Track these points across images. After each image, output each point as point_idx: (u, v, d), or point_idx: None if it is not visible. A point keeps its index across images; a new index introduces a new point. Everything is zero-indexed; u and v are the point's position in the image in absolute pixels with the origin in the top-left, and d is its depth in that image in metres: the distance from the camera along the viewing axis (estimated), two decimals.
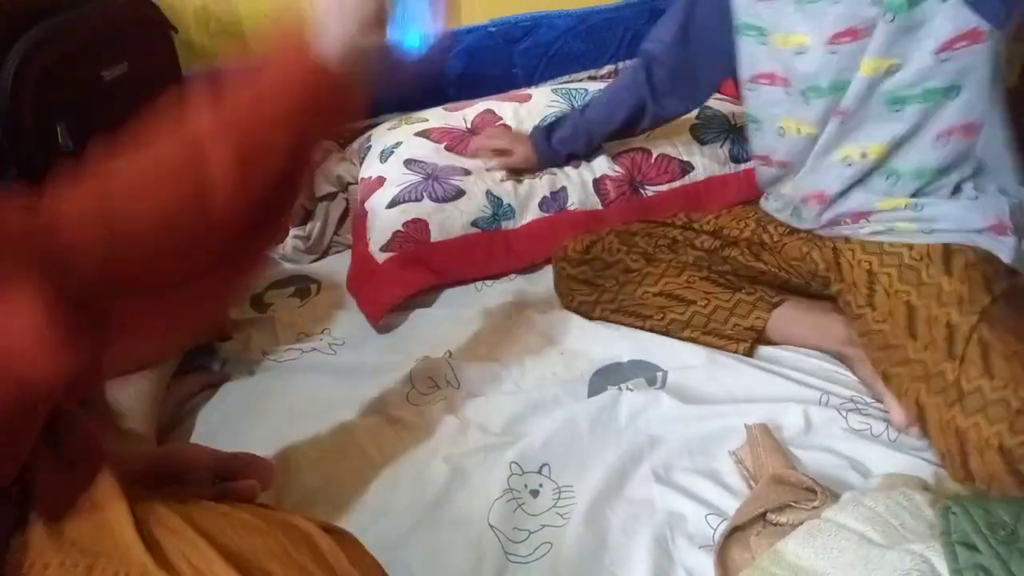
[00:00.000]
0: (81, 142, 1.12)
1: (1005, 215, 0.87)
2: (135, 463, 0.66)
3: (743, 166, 1.26)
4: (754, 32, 0.93)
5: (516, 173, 1.23)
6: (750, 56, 0.95)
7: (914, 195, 0.89)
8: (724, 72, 1.04)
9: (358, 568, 0.50)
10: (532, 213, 1.21)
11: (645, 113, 1.14)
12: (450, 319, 1.08)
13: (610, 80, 1.48)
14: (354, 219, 1.26)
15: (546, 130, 1.22)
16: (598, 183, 1.22)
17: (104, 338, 0.48)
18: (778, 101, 0.93)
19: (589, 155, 1.24)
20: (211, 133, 0.50)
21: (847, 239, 0.95)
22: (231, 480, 0.67)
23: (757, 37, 0.93)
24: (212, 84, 0.53)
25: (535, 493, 0.80)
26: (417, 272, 1.12)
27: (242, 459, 0.70)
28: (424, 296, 1.12)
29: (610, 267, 1.02)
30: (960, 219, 0.87)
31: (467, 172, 1.23)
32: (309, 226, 1.27)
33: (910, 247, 0.89)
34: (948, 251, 0.87)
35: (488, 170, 1.23)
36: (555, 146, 1.21)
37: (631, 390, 0.91)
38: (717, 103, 1.33)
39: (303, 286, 1.17)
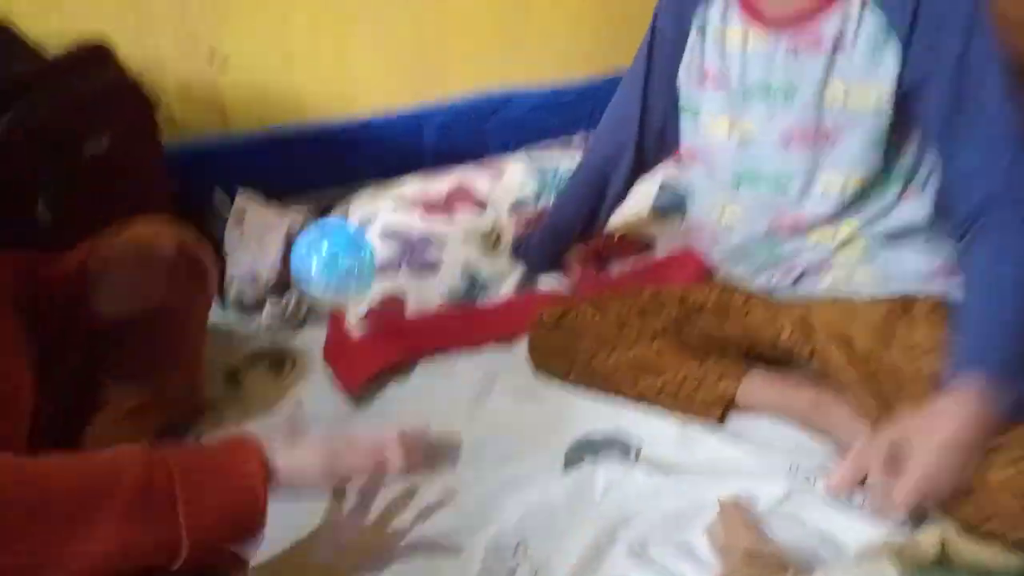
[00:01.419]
0: (59, 214, 1.13)
1: (951, 256, 0.89)
2: None
3: (697, 239, 1.30)
4: (691, 112, 0.98)
5: None
6: (690, 134, 1.00)
7: (868, 244, 0.93)
8: (673, 150, 1.08)
9: None
10: (507, 290, 1.23)
11: (601, 216, 1.18)
12: (426, 392, 1.09)
13: (581, 150, 1.53)
14: None
15: (519, 246, 1.27)
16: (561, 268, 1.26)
17: None
18: (720, 178, 0.97)
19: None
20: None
21: (809, 301, 0.98)
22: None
23: (695, 118, 0.98)
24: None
25: (512, 572, 0.80)
26: (393, 345, 1.13)
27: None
28: (400, 369, 1.12)
29: (583, 335, 1.04)
30: (913, 266, 0.91)
31: (443, 243, 1.26)
32: (285, 298, 1.28)
33: (874, 306, 0.92)
34: (907, 302, 0.90)
35: None
36: (531, 265, 1.25)
37: (606, 463, 0.92)
38: (674, 180, 1.37)
39: (278, 359, 1.17)
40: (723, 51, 0.92)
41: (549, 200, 1.38)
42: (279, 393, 1.09)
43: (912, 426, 0.73)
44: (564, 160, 1.48)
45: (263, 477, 0.59)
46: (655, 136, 1.07)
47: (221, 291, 1.28)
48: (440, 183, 1.42)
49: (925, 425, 0.73)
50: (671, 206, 1.35)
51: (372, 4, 1.51)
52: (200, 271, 0.95)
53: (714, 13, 0.92)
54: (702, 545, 0.82)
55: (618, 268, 1.27)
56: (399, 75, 1.59)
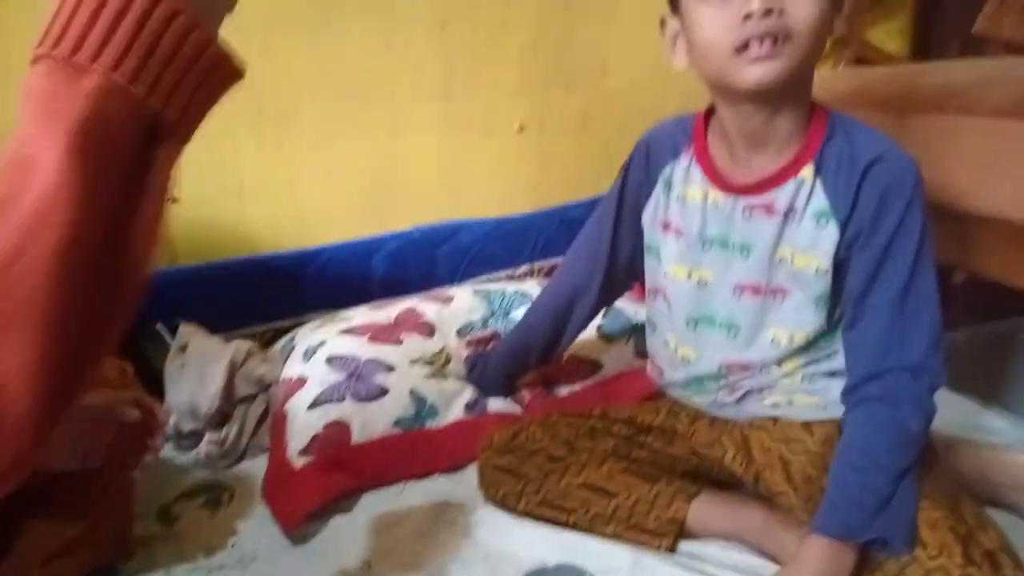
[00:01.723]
0: None
1: None
2: None
3: (646, 363, 1.33)
4: (654, 253, 1.04)
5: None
6: (652, 273, 1.05)
7: (809, 375, 0.96)
8: (637, 280, 1.13)
9: None
10: (455, 413, 1.22)
11: (564, 342, 1.21)
12: (370, 525, 1.04)
13: (524, 282, 1.58)
14: (273, 422, 1.24)
15: (473, 369, 1.29)
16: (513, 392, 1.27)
17: None
18: (677, 317, 1.02)
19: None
20: None
21: (751, 423, 1.00)
22: None
23: (657, 259, 1.03)
24: None
25: None
26: (337, 476, 1.10)
27: None
28: (342, 501, 1.08)
29: (534, 455, 1.03)
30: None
31: (391, 368, 1.25)
32: (225, 430, 1.24)
33: (811, 432, 0.95)
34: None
35: None
36: (484, 389, 1.27)
37: None
38: (622, 303, 1.42)
39: (215, 495, 1.12)
40: (684, 205, 0.98)
41: (498, 324, 1.40)
42: (215, 530, 1.04)
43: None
44: (511, 286, 1.52)
45: None
46: (622, 269, 1.11)
47: None
48: (387, 310, 1.43)
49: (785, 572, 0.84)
50: (618, 329, 1.38)
51: (323, 140, 1.57)
52: (152, 427, 0.93)
53: (679, 170, 0.99)
54: None
55: (567, 389, 1.28)
56: (349, 208, 1.64)
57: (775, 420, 0.99)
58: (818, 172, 0.89)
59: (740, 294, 0.95)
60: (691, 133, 0.98)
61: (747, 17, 0.79)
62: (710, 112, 0.97)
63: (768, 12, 0.78)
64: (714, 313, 0.99)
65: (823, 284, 0.91)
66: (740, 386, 1.00)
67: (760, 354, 0.96)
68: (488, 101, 1.68)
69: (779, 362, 0.96)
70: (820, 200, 0.89)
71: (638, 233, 1.06)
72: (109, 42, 0.43)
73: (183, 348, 1.32)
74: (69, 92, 0.43)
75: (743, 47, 0.80)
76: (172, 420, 1.23)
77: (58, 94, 0.43)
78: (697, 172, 0.97)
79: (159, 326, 1.39)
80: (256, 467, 1.17)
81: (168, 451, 1.23)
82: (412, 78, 1.61)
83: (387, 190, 1.66)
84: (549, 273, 1.70)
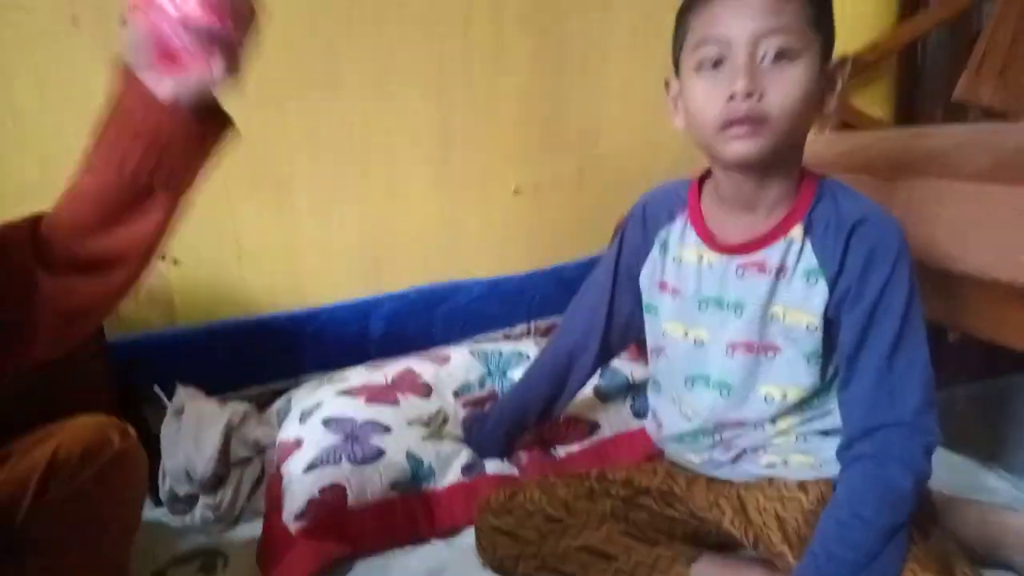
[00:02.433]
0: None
1: None
2: None
3: (644, 423, 1.33)
4: (653, 312, 1.06)
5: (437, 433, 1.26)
6: (651, 331, 1.07)
7: (804, 434, 0.96)
8: (635, 340, 1.14)
9: None
10: (453, 475, 1.21)
11: (562, 401, 1.21)
12: None
13: (521, 342, 1.59)
14: (268, 485, 1.23)
15: (470, 431, 1.29)
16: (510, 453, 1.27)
17: None
18: (675, 375, 1.03)
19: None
20: None
21: (747, 484, 1.00)
22: None
23: (656, 318, 1.05)
24: None
25: None
26: (332, 542, 1.08)
27: None
28: (338, 567, 1.07)
29: (531, 516, 1.02)
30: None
31: (387, 430, 1.25)
32: (220, 493, 1.23)
33: (806, 491, 0.95)
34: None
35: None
36: (482, 450, 1.27)
37: None
38: (618, 362, 1.43)
39: (209, 560, 1.10)
40: (680, 266, 1.00)
41: (495, 384, 1.40)
42: None
43: None
44: (508, 346, 1.52)
45: None
46: (620, 329, 1.12)
47: (153, 487, 1.22)
48: (383, 371, 1.43)
49: None
50: (614, 389, 1.38)
51: (321, 203, 1.60)
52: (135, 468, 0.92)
53: (675, 233, 1.02)
54: None
55: (564, 450, 1.28)
56: (347, 270, 1.66)
57: (770, 480, 0.99)
58: (807, 232, 0.91)
59: (733, 352, 0.97)
60: (686, 197, 1.02)
61: (731, 97, 0.83)
62: (706, 175, 1.00)
63: (749, 95, 0.82)
64: (708, 372, 0.99)
65: (814, 341, 0.92)
66: (734, 444, 1.00)
67: (753, 412, 0.97)
68: (484, 164, 1.72)
69: (773, 420, 0.97)
70: (810, 259, 0.91)
71: (636, 293, 1.08)
72: None
73: (179, 411, 1.32)
74: None
75: (727, 124, 0.84)
76: (167, 484, 1.22)
77: None
78: (692, 234, 1.00)
79: (156, 389, 1.39)
80: (251, 531, 1.16)
81: (162, 515, 1.21)
82: (408, 142, 1.65)
83: (384, 252, 1.68)
84: (546, 332, 1.71)
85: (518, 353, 1.48)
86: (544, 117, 1.75)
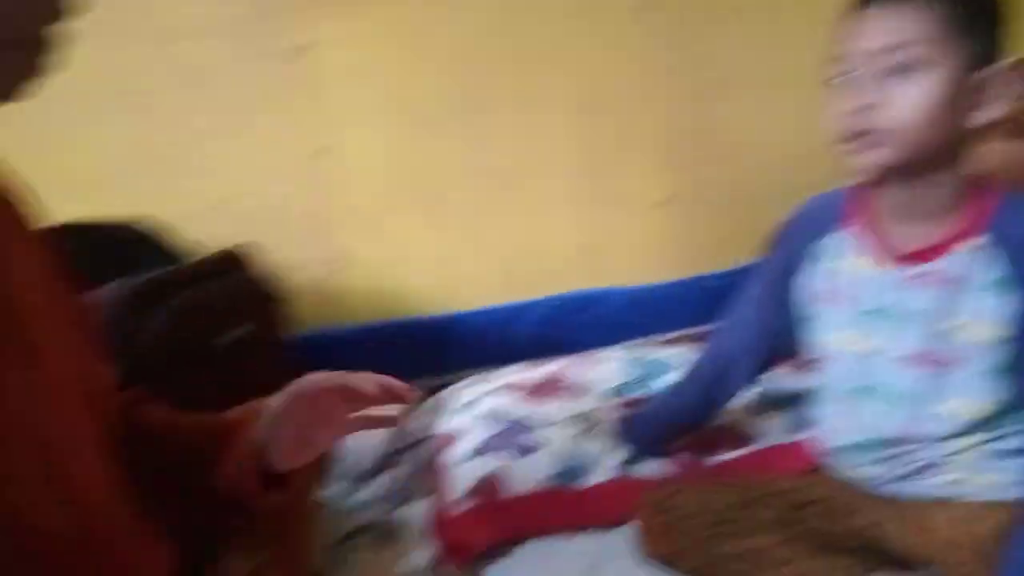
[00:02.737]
0: (192, 396, 1.23)
1: None
2: None
3: (806, 434, 1.30)
4: (812, 323, 1.04)
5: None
6: (812, 343, 1.05)
7: (990, 453, 0.92)
8: (796, 351, 1.13)
9: None
10: (606, 474, 1.24)
11: (718, 408, 1.22)
12: (530, 574, 1.07)
13: (674, 347, 1.59)
14: (429, 473, 1.30)
15: (624, 430, 1.30)
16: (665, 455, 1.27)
17: None
18: (840, 386, 1.01)
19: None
20: None
21: (923, 502, 0.96)
22: None
23: (816, 329, 1.03)
24: None
25: None
26: (492, 526, 1.13)
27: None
28: (500, 550, 1.12)
29: (691, 518, 1.03)
30: None
31: (541, 427, 1.29)
32: (384, 479, 1.32)
33: (990, 511, 0.90)
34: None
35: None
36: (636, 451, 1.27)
37: None
38: (779, 372, 1.38)
39: (384, 533, 1.18)
40: (841, 276, 0.99)
41: (648, 388, 1.41)
42: (383, 567, 1.09)
43: None
44: (663, 351, 1.53)
45: None
46: (776, 341, 1.12)
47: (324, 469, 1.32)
48: (538, 371, 1.48)
49: None
50: (774, 399, 1.36)
51: (471, 216, 1.70)
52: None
53: (833, 244, 1.00)
54: None
55: (719, 457, 1.27)
56: (495, 278, 1.74)
57: (949, 498, 0.94)
58: (1000, 241, 0.88)
59: (906, 365, 0.94)
60: (842, 207, 1.00)
61: (850, 111, 0.85)
62: (874, 183, 0.97)
63: (863, 110, 0.84)
64: (876, 384, 0.97)
65: (1003, 354, 0.88)
66: (909, 460, 0.96)
67: (928, 428, 0.93)
68: (628, 176, 1.75)
69: (950, 437, 0.93)
70: (1000, 269, 0.88)
71: (792, 306, 1.07)
72: None
73: None
74: None
75: (847, 138, 0.87)
76: (345, 460, 1.31)
77: None
78: (852, 244, 0.98)
79: None
80: (422, 510, 1.23)
81: (334, 493, 1.31)
82: (553, 156, 1.71)
83: (529, 262, 1.75)
84: (694, 340, 1.70)
85: (672, 358, 1.49)
86: (690, 129, 1.76)
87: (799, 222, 1.05)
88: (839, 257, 0.99)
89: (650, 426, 1.26)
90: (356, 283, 1.66)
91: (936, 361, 0.92)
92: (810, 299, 1.04)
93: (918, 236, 0.92)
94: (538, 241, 1.75)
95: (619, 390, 1.42)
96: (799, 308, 1.06)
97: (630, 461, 1.26)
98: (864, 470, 1.01)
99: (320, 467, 1.05)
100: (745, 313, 1.14)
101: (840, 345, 1.00)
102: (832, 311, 1.00)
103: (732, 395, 1.20)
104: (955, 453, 0.93)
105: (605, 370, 1.46)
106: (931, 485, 0.96)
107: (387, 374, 1.56)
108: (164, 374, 1.18)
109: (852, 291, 0.98)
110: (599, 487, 1.22)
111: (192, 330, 1.23)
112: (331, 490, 1.30)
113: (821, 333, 1.02)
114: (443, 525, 1.15)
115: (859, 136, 0.85)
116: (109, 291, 1.14)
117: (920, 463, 0.95)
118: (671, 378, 1.39)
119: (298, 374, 1.46)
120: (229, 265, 1.36)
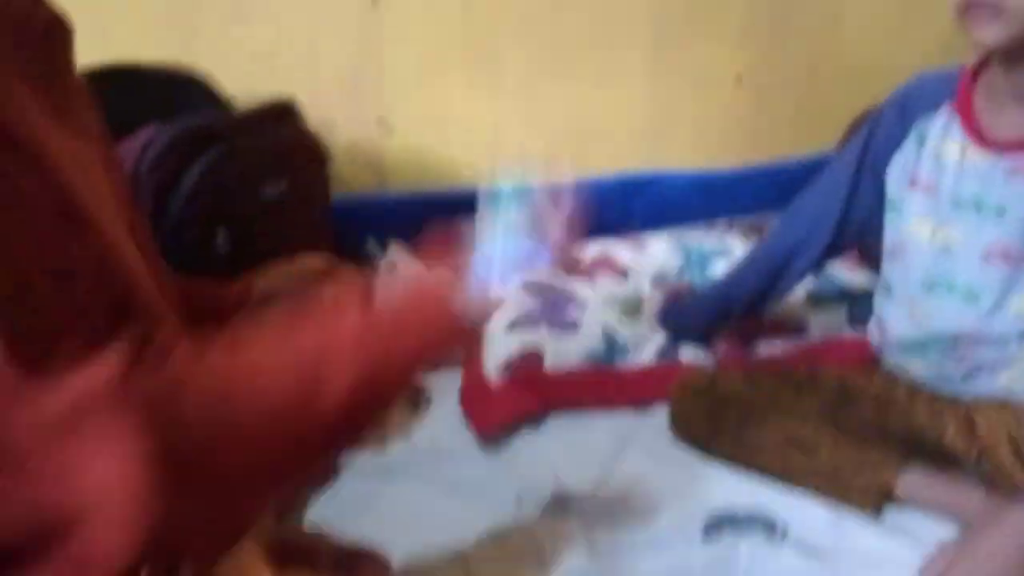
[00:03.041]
0: (237, 247, 1.23)
1: None
2: (258, 537, 0.65)
3: (860, 330, 1.24)
4: (896, 211, 0.97)
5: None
6: (892, 231, 0.99)
7: None
8: (866, 241, 1.07)
9: None
10: (646, 357, 1.22)
11: (772, 299, 1.16)
12: (557, 446, 1.07)
13: (724, 237, 1.52)
14: (468, 340, 1.29)
15: (668, 312, 1.26)
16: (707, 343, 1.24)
17: (194, 503, 0.46)
18: (912, 279, 0.95)
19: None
20: (343, 349, 0.52)
21: (977, 402, 0.92)
22: (349, 572, 0.67)
23: (899, 216, 0.97)
24: (366, 288, 0.60)
25: None
26: (528, 396, 1.13)
27: (363, 553, 0.69)
28: (532, 420, 1.12)
29: (731, 402, 1.01)
30: None
31: (584, 305, 1.27)
32: None
33: None
34: None
35: None
36: (679, 337, 1.24)
37: (749, 540, 0.87)
38: (835, 268, 1.34)
39: (415, 396, 1.19)
40: (939, 162, 0.92)
41: (693, 276, 1.36)
42: (411, 430, 1.11)
43: (971, 537, 0.81)
44: (711, 240, 1.47)
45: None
46: (854, 227, 1.05)
47: None
48: (582, 250, 1.44)
49: (978, 537, 0.80)
50: (829, 294, 1.30)
51: (528, 82, 1.60)
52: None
53: (937, 125, 0.93)
54: None
55: (766, 347, 1.23)
56: (549, 148, 1.66)
57: (1006, 399, 0.90)
58: None
59: (988, 259, 0.88)
60: (954, 87, 0.92)
61: None
62: (981, 66, 0.90)
63: None
64: (955, 278, 0.91)
65: None
66: (970, 359, 0.92)
67: (1000, 327, 0.89)
68: (703, 50, 1.62)
69: (1016, 338, 0.88)
70: None
71: (878, 189, 1.00)
72: None
73: (392, 267, 1.41)
74: None
75: (966, 7, 0.80)
76: None
77: None
78: (957, 127, 0.91)
79: (370, 243, 1.49)
80: (452, 377, 1.23)
81: None
82: (622, 27, 1.58)
83: (587, 135, 1.66)
84: (750, 231, 1.63)
85: (721, 248, 1.43)
86: (767, 1, 1.61)
87: (909, 98, 0.97)
88: (941, 139, 0.92)
89: (699, 312, 1.22)
90: (400, 148, 1.61)
91: (1018, 256, 0.86)
92: (901, 182, 0.97)
93: (1020, 126, 0.85)
94: (596, 115, 1.64)
95: (662, 276, 1.37)
96: (887, 192, 0.99)
97: (672, 346, 1.24)
98: (921, 366, 0.97)
99: None
100: (821, 197, 1.07)
101: (920, 235, 0.94)
102: (920, 197, 0.94)
103: (792, 285, 1.14)
104: (1018, 354, 0.89)
105: (654, 253, 1.41)
106: (985, 385, 0.92)
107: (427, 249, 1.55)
108: (205, 224, 1.18)
109: (945, 178, 0.91)
110: (638, 369, 1.20)
111: (233, 181, 1.21)
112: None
113: (903, 221, 0.96)
114: (475, 394, 1.15)
115: (977, 5, 0.78)
116: (148, 136, 1.11)
117: (978, 362, 0.92)
118: (721, 266, 1.33)
119: (338, 237, 1.46)
120: (274, 118, 1.32)
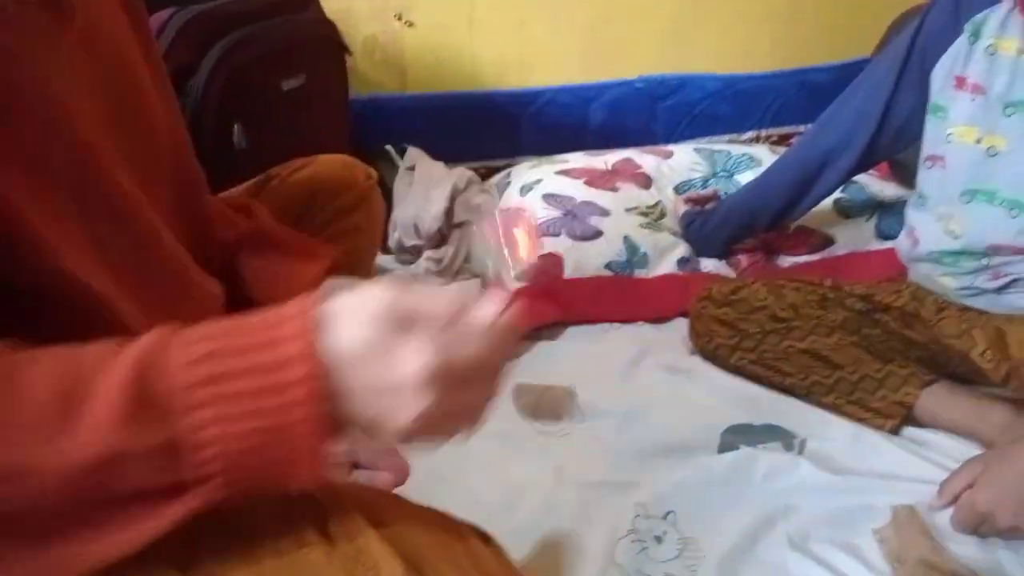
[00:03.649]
0: (254, 141, 1.21)
1: None
2: None
3: (888, 243, 1.22)
4: (940, 114, 0.92)
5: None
6: (933, 137, 0.94)
7: None
8: (903, 149, 1.02)
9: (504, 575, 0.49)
10: (667, 267, 1.20)
11: (801, 208, 1.12)
12: (574, 356, 1.07)
13: (751, 147, 1.47)
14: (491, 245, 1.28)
15: (697, 225, 1.23)
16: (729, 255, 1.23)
17: None
18: (951, 188, 0.91)
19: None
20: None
21: (1010, 317, 0.90)
22: (366, 468, 0.67)
23: (943, 121, 0.92)
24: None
25: (658, 540, 0.77)
26: (547, 305, 1.12)
27: (381, 451, 0.70)
28: (550, 330, 1.12)
29: (755, 312, 0.99)
30: None
31: (606, 213, 1.24)
32: (443, 250, 1.31)
33: None
34: None
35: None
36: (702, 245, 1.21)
37: (767, 451, 0.87)
38: (865, 178, 1.29)
39: None
40: (993, 60, 0.87)
41: (719, 185, 1.33)
42: None
43: (999, 453, 0.80)
44: (737, 148, 1.42)
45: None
46: (892, 133, 1.00)
47: (384, 235, 1.32)
48: (605, 158, 1.40)
49: (1006, 453, 0.79)
50: (858, 205, 1.26)
51: None
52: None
53: (993, 20, 0.87)
54: (869, 547, 0.76)
55: (790, 260, 1.21)
56: (575, 51, 1.59)
57: None
58: None
59: None
60: None
61: None
62: None
63: None
64: (997, 187, 0.87)
65: None
66: (1005, 272, 0.89)
67: None
68: None
69: None
70: None
71: (922, 90, 0.95)
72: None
73: (411, 169, 1.39)
74: None
75: None
76: (397, 234, 1.30)
77: None
78: (1017, 22, 0.84)
79: (389, 147, 1.46)
80: (471, 287, 1.23)
81: (390, 262, 1.31)
82: None
83: (614, 36, 1.58)
84: (779, 142, 1.58)
85: (749, 157, 1.38)
86: None
87: None
88: (997, 35, 0.86)
89: (720, 224, 1.19)
90: (422, 44, 1.54)
91: None
92: (946, 82, 0.91)
93: None
94: (622, 15, 1.57)
95: (686, 185, 1.34)
96: (931, 93, 0.94)
97: (694, 256, 1.22)
98: (952, 280, 0.94)
99: (379, 236, 1.03)
100: (861, 98, 1.02)
101: (963, 140, 0.89)
102: (967, 98, 0.89)
103: (823, 195, 1.10)
104: None
105: (674, 163, 1.37)
106: (1020, 299, 0.89)
107: (446, 150, 1.52)
108: (221, 118, 1.15)
109: (998, 77, 0.86)
110: (658, 280, 1.19)
111: (250, 71, 1.17)
112: (382, 259, 1.30)
113: (946, 125, 0.91)
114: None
115: None
116: (162, 20, 1.07)
117: (1014, 275, 0.89)
118: (748, 177, 1.29)
119: (356, 139, 1.43)
120: (292, 6, 1.27)
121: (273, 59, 1.22)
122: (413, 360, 0.36)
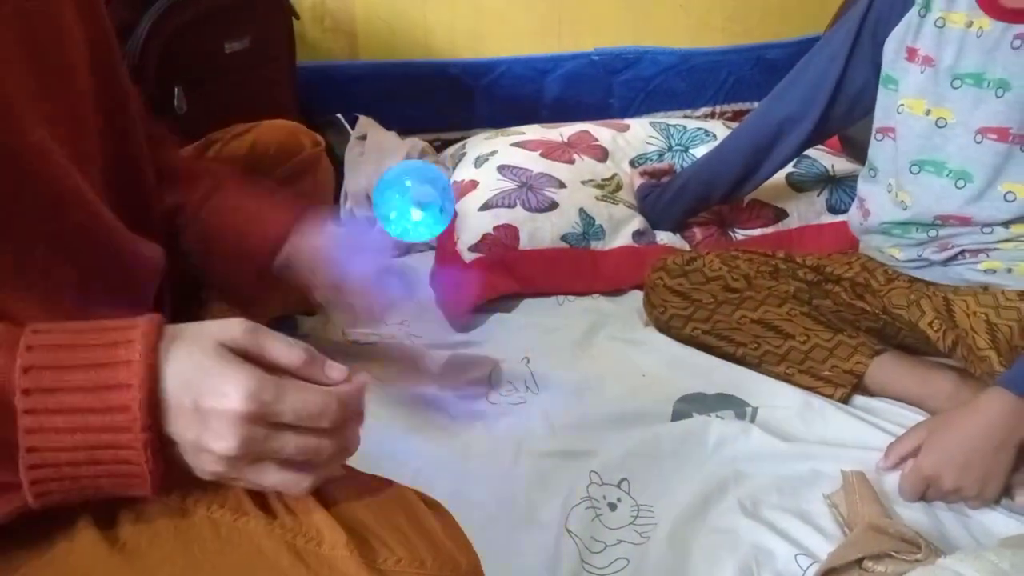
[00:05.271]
0: (196, 106, 1.16)
1: None
2: None
3: (840, 217, 1.23)
4: (892, 86, 0.93)
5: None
6: (884, 108, 0.95)
7: None
8: (858, 120, 1.03)
9: (451, 541, 0.47)
10: (622, 240, 1.19)
11: (755, 180, 1.12)
12: (529, 327, 1.06)
13: (706, 122, 1.47)
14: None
15: (653, 198, 1.22)
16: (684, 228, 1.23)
17: None
18: (901, 159, 0.92)
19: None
20: None
21: (956, 289, 0.92)
22: None
23: (894, 92, 0.93)
24: None
25: (612, 507, 0.77)
26: (502, 277, 1.11)
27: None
28: (504, 302, 1.11)
29: (709, 283, 1.00)
30: None
31: (562, 185, 1.23)
32: None
33: (1016, 303, 0.86)
34: None
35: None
36: (657, 220, 1.22)
37: (720, 419, 0.88)
38: (816, 153, 1.31)
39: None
40: (942, 32, 0.88)
41: (675, 159, 1.33)
42: None
43: (943, 419, 0.81)
44: (693, 123, 1.42)
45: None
46: (847, 104, 1.01)
47: (336, 205, 1.28)
48: (561, 130, 1.38)
49: (949, 419, 0.80)
50: (810, 179, 1.28)
51: None
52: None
53: None
54: (819, 512, 0.77)
55: (744, 233, 1.22)
56: (530, 22, 1.57)
57: (985, 287, 0.90)
58: None
59: (982, 138, 0.85)
60: None
61: None
62: None
63: None
64: (946, 158, 0.88)
65: None
66: (952, 244, 0.91)
67: (987, 211, 0.87)
68: None
69: (1006, 223, 0.87)
70: None
71: (874, 62, 0.96)
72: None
73: (362, 138, 1.35)
74: None
75: None
76: (348, 204, 1.27)
77: None
78: None
79: (339, 116, 1.41)
80: (421, 261, 1.20)
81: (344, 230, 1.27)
82: None
83: (571, 8, 1.56)
84: (733, 118, 1.58)
85: (704, 131, 1.38)
86: None
87: None
88: (947, 6, 0.87)
89: (675, 198, 1.19)
90: (374, 12, 1.50)
91: (1015, 138, 0.84)
92: (897, 54, 0.92)
93: None
94: None
95: (642, 159, 1.33)
96: (882, 65, 0.94)
97: (649, 230, 1.22)
98: (901, 251, 0.96)
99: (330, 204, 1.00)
100: (816, 70, 1.02)
101: (913, 111, 0.90)
102: (917, 70, 0.90)
103: (777, 164, 1.10)
104: (1001, 241, 0.88)
105: (630, 136, 1.36)
106: (966, 271, 0.91)
107: (399, 120, 1.48)
108: (161, 81, 1.10)
109: (946, 49, 0.87)
110: (613, 252, 1.18)
111: (191, 33, 1.12)
112: (341, 225, 1.26)
113: (897, 96, 0.92)
114: (448, 275, 1.12)
115: None
116: None
117: (961, 247, 0.90)
118: (702, 151, 1.29)
119: (304, 107, 1.39)
120: None
121: (215, 20, 1.17)
122: (234, 392, 0.38)
